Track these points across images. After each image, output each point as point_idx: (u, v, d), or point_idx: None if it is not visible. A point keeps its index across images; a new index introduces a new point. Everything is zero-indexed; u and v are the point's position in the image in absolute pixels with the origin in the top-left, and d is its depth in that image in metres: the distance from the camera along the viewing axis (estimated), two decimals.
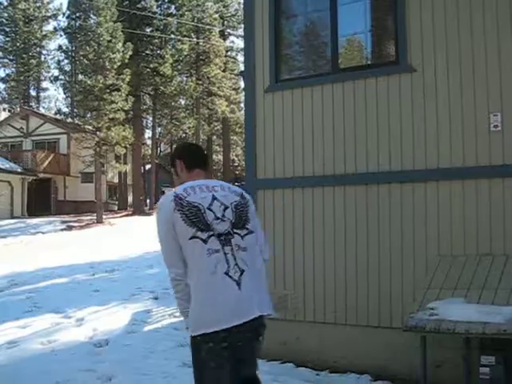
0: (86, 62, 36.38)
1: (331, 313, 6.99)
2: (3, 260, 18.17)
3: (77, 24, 53.10)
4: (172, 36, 46.12)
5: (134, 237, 24.59)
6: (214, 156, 64.79)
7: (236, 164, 67.92)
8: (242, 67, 53.81)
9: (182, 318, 9.12)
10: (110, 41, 35.55)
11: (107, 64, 35.28)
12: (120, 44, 36.32)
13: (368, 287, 6.76)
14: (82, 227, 32.93)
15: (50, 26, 63.72)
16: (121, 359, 7.31)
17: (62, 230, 31.59)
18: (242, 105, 61.14)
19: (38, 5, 61.16)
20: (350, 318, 6.86)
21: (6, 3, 57.93)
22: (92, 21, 39.71)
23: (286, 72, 7.76)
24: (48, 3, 62.82)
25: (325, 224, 7.10)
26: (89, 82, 34.90)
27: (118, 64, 35.99)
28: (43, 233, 29.81)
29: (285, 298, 7.29)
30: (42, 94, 68.42)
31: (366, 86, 6.89)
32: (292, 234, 7.33)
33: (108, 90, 35.26)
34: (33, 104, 62.93)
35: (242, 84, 58.37)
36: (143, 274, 14.02)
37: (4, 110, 51.08)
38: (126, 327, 9.05)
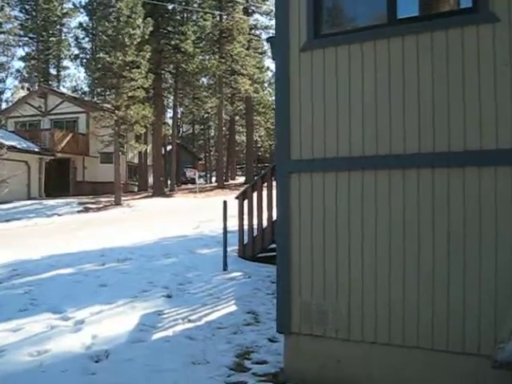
0: (105, 38, 34.96)
1: (384, 330, 5.51)
2: (11, 244, 16.92)
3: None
4: (194, 8, 44.62)
5: (152, 220, 23.35)
6: (236, 137, 63.79)
7: (259, 145, 66.79)
8: (265, 46, 52.48)
9: (197, 323, 7.69)
10: (129, 16, 34.17)
11: (127, 40, 33.91)
12: (140, 19, 35.05)
13: (433, 299, 5.25)
14: (99, 209, 31.84)
15: (70, 4, 62.85)
16: (118, 382, 5.92)
17: (78, 211, 30.48)
18: (266, 84, 60.01)
19: None
20: (409, 337, 5.37)
21: None
22: None
23: (329, 24, 6.17)
24: None
25: (377, 216, 5.59)
26: (107, 58, 33.53)
27: (138, 40, 34.77)
28: (59, 215, 28.70)
29: (324, 311, 5.83)
30: (62, 73, 67.75)
31: (433, 40, 5.32)
32: (335, 231, 5.80)
33: (127, 67, 34.10)
34: (53, 83, 62.11)
35: (265, 63, 57.04)
36: (158, 265, 12.60)
37: (22, 88, 50.14)
38: (131, 334, 7.63)
